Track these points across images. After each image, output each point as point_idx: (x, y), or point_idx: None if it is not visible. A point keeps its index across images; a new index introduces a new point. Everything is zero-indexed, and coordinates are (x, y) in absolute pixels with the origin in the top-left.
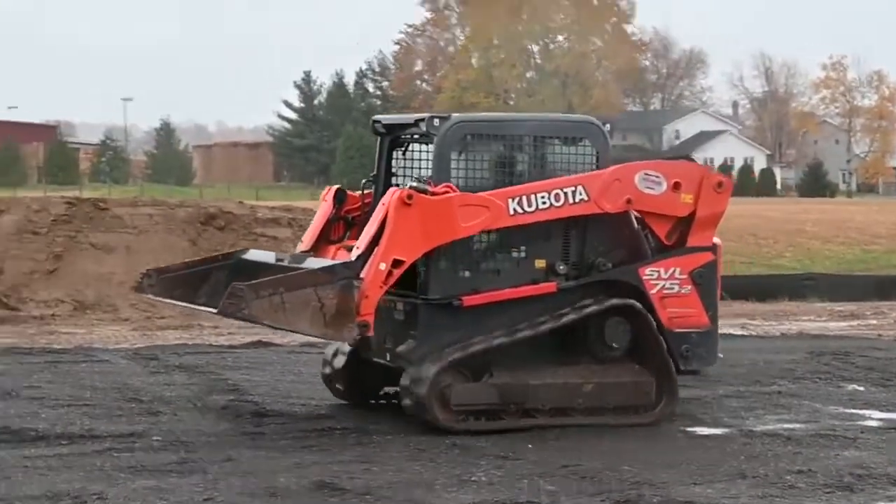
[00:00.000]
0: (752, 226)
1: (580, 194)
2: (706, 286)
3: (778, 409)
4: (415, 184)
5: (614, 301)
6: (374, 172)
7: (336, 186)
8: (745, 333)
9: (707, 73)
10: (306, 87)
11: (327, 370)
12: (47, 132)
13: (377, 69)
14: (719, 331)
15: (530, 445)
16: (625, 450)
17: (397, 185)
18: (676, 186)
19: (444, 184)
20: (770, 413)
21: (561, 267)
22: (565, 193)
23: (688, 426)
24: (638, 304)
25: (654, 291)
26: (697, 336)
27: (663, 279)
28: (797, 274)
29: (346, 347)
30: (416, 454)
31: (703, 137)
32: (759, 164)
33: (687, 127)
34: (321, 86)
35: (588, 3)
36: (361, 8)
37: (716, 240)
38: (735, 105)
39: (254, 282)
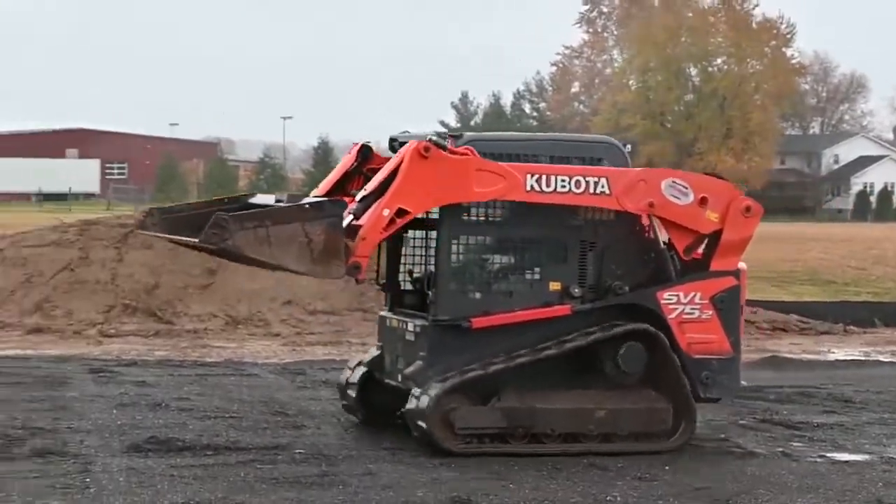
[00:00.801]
0: None
1: (602, 187)
2: (728, 312)
3: None
4: (434, 137)
5: (629, 325)
6: None
7: (363, 142)
8: (894, 360)
9: (868, 98)
10: (463, 107)
11: (349, 394)
12: (208, 149)
13: (534, 90)
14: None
15: (667, 467)
16: (762, 474)
17: None
18: (703, 202)
19: (465, 146)
20: None
21: (576, 290)
22: (587, 182)
23: (828, 451)
24: (654, 329)
25: (672, 316)
26: (718, 363)
27: (683, 304)
28: None
29: (359, 371)
30: (553, 473)
31: (863, 162)
32: None
33: (846, 151)
34: (478, 106)
35: (747, 26)
36: (521, 28)
37: (741, 265)
38: None
39: (238, 213)
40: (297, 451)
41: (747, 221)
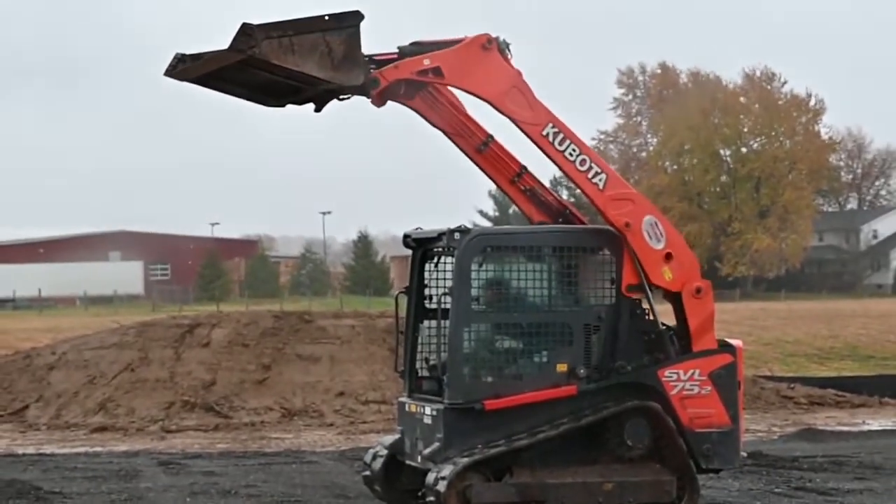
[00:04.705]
0: None
1: (600, 180)
2: (726, 386)
3: None
4: (503, 39)
5: (633, 403)
6: (408, 285)
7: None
8: None
9: None
10: (501, 196)
11: (367, 472)
12: (248, 247)
13: None
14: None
15: None
16: None
17: (430, 297)
18: (667, 257)
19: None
20: None
21: (582, 370)
22: (591, 167)
23: None
24: (656, 406)
25: (674, 392)
26: (718, 435)
27: (683, 380)
28: None
29: (384, 451)
30: None
31: None
32: None
33: (885, 226)
34: None
35: (775, 104)
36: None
37: (738, 342)
38: None
39: (264, 22)
40: None
41: (702, 301)
